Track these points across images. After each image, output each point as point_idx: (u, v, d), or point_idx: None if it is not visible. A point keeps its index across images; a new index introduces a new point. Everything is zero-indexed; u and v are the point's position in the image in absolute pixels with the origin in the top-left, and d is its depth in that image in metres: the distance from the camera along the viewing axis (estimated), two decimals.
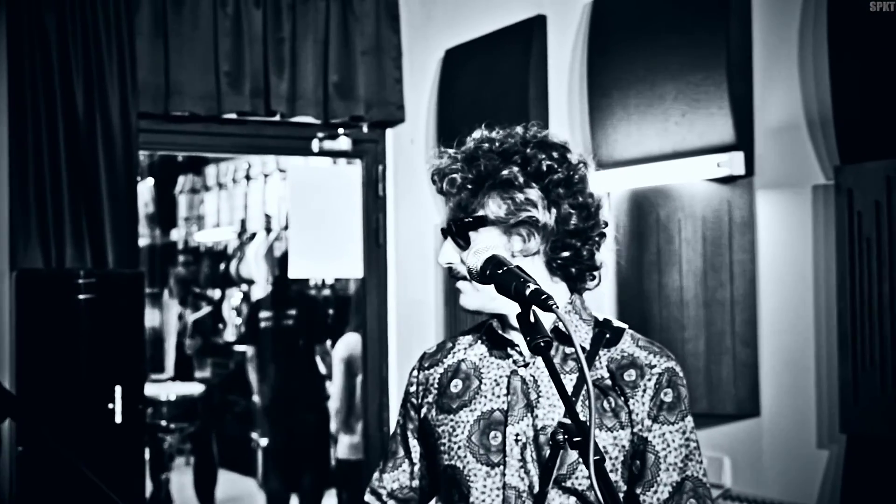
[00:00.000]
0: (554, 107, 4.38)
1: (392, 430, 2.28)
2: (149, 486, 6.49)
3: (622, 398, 1.99)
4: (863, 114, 3.13)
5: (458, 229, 2.04)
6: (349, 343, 6.57)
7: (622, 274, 3.92)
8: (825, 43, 3.25)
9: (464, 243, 2.03)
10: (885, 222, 3.04)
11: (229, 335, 9.73)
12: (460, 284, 2.06)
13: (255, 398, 8.42)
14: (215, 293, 10.21)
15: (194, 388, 7.28)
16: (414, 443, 2.20)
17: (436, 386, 2.15)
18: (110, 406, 4.19)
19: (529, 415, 1.99)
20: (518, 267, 1.79)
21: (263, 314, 7.55)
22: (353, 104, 5.10)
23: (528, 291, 1.70)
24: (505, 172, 1.99)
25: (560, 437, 1.74)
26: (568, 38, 4.32)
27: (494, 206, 2.00)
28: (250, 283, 9.56)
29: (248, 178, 9.90)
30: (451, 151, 2.09)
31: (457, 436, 2.05)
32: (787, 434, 3.47)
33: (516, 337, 2.05)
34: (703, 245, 3.61)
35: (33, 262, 4.41)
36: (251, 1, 4.90)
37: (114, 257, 4.54)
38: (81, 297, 4.16)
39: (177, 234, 10.90)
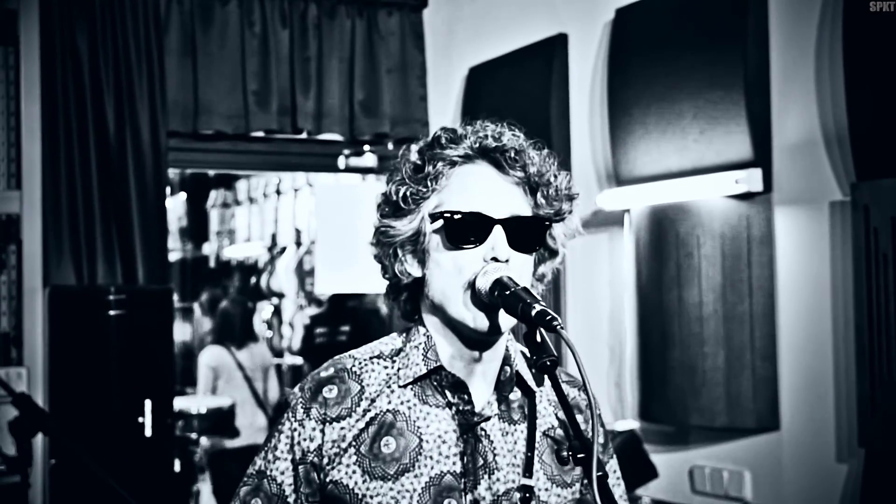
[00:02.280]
0: (575, 124, 4.43)
1: (255, 483, 1.79)
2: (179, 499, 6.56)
3: None
4: (878, 131, 3.16)
5: (536, 228, 1.77)
6: (213, 353, 7.25)
7: (642, 289, 3.95)
8: (841, 61, 3.28)
9: (531, 247, 1.76)
10: None
11: None
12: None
13: None
14: None
15: (224, 401, 7.32)
16: None
17: (354, 444, 1.73)
18: (140, 420, 4.26)
19: (487, 477, 1.72)
20: (524, 289, 1.65)
21: (319, 329, 7.66)
22: (379, 121, 5.17)
23: (533, 312, 1.58)
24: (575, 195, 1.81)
25: (564, 454, 1.65)
26: (589, 56, 4.36)
27: (564, 227, 1.81)
28: (280, 296, 9.63)
29: (278, 192, 9.96)
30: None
31: None
32: (807, 448, 3.49)
33: (471, 384, 1.76)
34: (721, 261, 3.64)
35: (66, 278, 4.51)
36: (278, 20, 4.98)
37: (144, 273, 4.62)
38: (112, 312, 4.25)
39: (208, 248, 10.98)
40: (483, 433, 1.73)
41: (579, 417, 1.79)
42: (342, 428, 1.74)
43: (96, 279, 4.54)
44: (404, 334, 1.84)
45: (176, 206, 10.55)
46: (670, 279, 3.79)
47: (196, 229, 10.93)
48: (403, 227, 1.76)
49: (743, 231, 3.60)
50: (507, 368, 1.77)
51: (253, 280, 9.91)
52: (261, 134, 5.01)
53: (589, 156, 4.34)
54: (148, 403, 4.27)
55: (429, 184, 1.75)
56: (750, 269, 3.59)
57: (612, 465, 1.90)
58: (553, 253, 1.82)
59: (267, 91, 4.93)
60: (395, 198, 1.76)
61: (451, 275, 1.72)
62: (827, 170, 3.40)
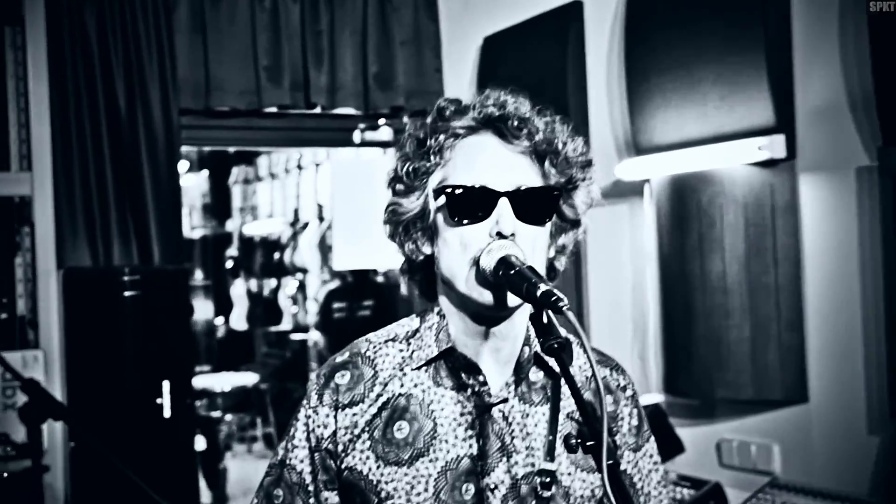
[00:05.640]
0: (593, 93, 4.33)
1: (277, 473, 1.77)
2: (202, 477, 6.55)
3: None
4: None
5: (546, 198, 1.68)
6: None
7: (664, 261, 3.86)
8: (865, 22, 3.16)
9: (541, 218, 1.67)
10: None
11: (286, 324, 9.80)
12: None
13: None
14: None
15: (249, 378, 7.34)
16: (327, 495, 1.73)
17: (367, 429, 1.69)
18: (159, 401, 4.23)
19: (506, 460, 1.66)
20: (529, 267, 1.56)
21: (337, 304, 7.62)
22: (394, 94, 5.09)
23: (538, 293, 1.50)
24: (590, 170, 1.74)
25: (573, 441, 1.51)
26: (605, 23, 4.26)
27: (582, 195, 1.73)
28: (304, 271, 9.61)
29: (299, 167, 9.92)
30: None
31: (418, 494, 1.66)
32: (837, 420, 3.41)
33: (486, 365, 1.71)
34: (745, 230, 3.54)
35: (81, 260, 4.47)
36: None
37: (160, 253, 4.58)
38: (127, 293, 4.21)
39: (231, 225, 10.98)
40: (501, 415, 1.68)
41: (609, 398, 1.76)
42: (354, 414, 1.71)
43: (111, 260, 4.50)
44: (421, 315, 1.79)
45: (199, 182, 10.55)
46: (693, 249, 3.70)
47: (219, 206, 10.93)
48: (410, 204, 1.71)
49: (767, 199, 3.50)
50: (527, 349, 1.71)
51: (276, 256, 9.90)
52: (274, 110, 4.94)
53: (607, 125, 4.24)
54: (166, 384, 4.24)
55: (432, 158, 1.70)
56: (775, 238, 3.49)
57: (648, 449, 1.83)
58: (574, 223, 1.74)
59: (279, 66, 4.86)
60: (400, 173, 1.72)
61: (457, 252, 1.66)
62: (853, 135, 3.29)
